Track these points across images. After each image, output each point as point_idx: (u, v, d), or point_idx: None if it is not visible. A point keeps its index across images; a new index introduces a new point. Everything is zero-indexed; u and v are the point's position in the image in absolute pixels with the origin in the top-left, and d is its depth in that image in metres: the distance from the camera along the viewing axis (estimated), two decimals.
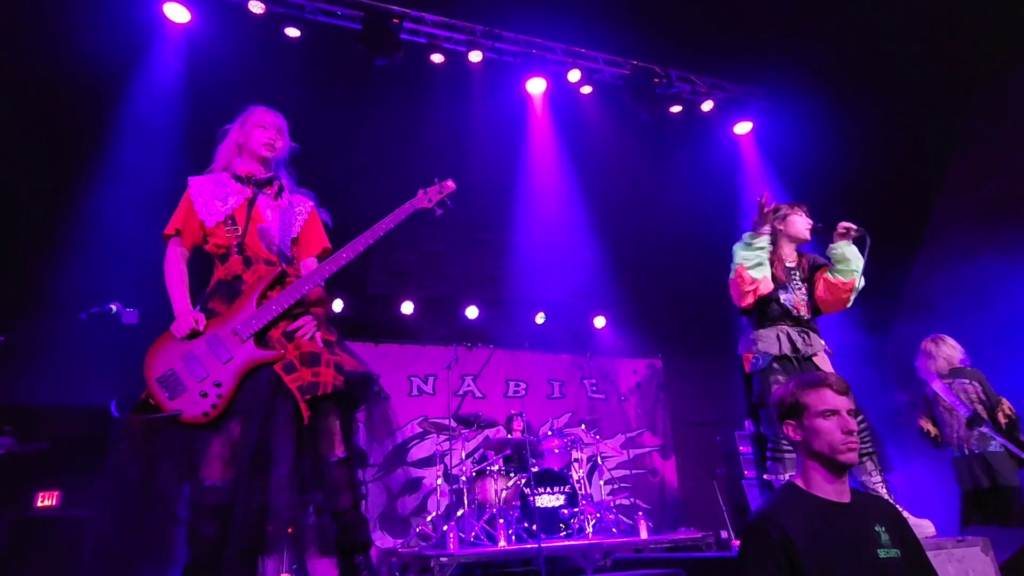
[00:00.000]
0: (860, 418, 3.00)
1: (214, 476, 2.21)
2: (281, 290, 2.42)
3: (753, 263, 3.06)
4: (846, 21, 5.80)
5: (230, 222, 2.50)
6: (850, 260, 3.06)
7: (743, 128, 6.95)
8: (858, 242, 3.10)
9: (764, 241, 3.09)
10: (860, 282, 3.10)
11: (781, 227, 3.25)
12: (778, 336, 3.04)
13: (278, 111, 2.75)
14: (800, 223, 3.23)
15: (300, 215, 2.67)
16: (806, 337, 3.08)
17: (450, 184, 2.70)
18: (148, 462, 2.23)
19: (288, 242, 2.59)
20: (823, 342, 3.15)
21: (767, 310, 3.13)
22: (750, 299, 3.10)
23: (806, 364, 3.02)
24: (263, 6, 5.08)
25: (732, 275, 3.14)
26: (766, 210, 3.08)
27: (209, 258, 2.58)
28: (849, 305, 3.14)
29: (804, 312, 3.15)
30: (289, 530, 2.20)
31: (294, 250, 2.63)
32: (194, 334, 2.34)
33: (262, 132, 2.66)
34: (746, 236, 3.12)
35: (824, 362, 3.07)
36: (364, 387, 2.48)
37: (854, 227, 3.07)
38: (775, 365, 2.99)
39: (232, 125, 2.72)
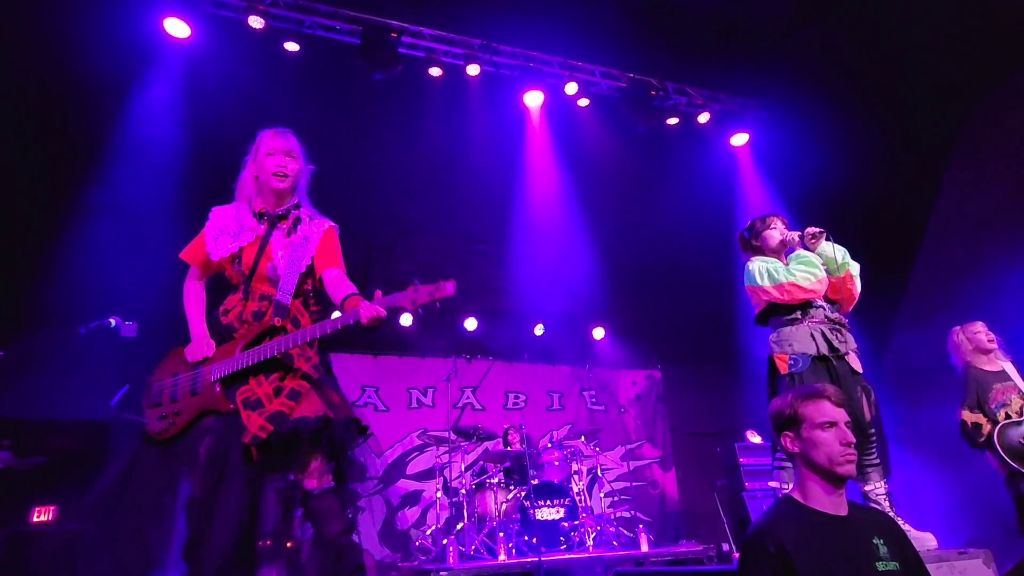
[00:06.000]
0: (872, 429, 2.99)
1: (194, 488, 2.26)
2: (277, 336, 2.33)
3: (808, 277, 3.07)
4: (841, 32, 5.85)
5: (236, 261, 2.46)
6: (833, 258, 3.16)
7: (739, 140, 6.98)
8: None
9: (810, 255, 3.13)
10: (855, 268, 3.20)
11: (758, 243, 3.38)
12: (812, 335, 3.04)
13: (287, 129, 2.59)
14: (774, 235, 3.32)
15: (312, 243, 2.51)
16: (839, 334, 3.08)
17: (449, 287, 2.16)
18: (131, 464, 2.28)
19: (296, 278, 2.44)
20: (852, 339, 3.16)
21: (790, 305, 3.13)
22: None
23: (841, 362, 3.02)
24: (262, 21, 5.12)
25: (768, 286, 3.12)
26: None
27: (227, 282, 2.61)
28: (857, 291, 3.21)
29: (821, 301, 3.16)
30: (268, 542, 2.23)
31: (306, 281, 2.51)
32: (205, 360, 2.36)
33: (271, 160, 2.49)
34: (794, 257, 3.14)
35: (854, 361, 3.06)
36: (346, 431, 2.40)
37: (817, 230, 3.20)
38: (812, 366, 2.98)
39: (248, 155, 2.61)
